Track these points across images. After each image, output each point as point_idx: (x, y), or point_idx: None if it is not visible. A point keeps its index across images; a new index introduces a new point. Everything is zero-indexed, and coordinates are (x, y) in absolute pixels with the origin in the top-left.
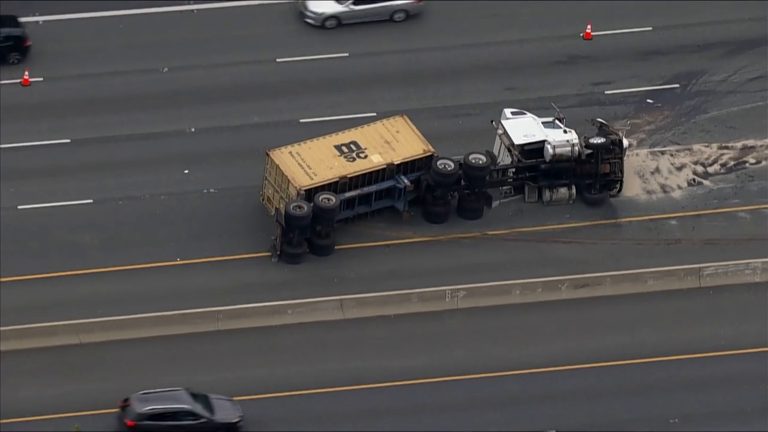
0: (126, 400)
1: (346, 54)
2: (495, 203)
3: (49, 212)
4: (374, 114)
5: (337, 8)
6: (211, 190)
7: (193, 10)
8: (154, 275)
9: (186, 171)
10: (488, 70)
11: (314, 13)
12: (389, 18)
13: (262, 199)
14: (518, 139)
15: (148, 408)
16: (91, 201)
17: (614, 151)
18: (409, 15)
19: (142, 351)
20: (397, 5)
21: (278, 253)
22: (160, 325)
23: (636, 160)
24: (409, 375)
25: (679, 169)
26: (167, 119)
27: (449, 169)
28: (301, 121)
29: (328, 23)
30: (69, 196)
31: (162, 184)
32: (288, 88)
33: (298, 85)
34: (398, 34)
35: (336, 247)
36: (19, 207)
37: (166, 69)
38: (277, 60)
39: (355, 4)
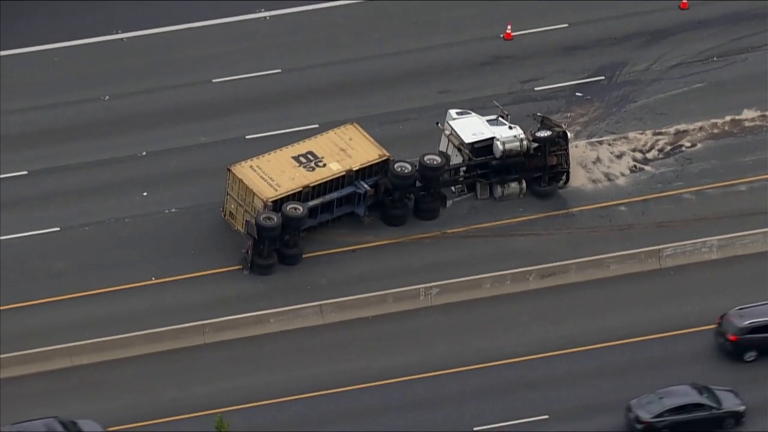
0: (722, 316)
1: (279, 70)
2: (449, 203)
3: (19, 243)
4: (317, 125)
5: None
6: (173, 210)
7: (122, 39)
8: (131, 296)
9: (145, 193)
10: (418, 75)
11: None
12: None
13: (224, 215)
14: (468, 138)
15: (747, 322)
16: (58, 229)
17: (560, 143)
18: None
19: (137, 368)
20: None
21: (249, 265)
22: (151, 342)
23: (576, 151)
24: (397, 373)
25: (619, 157)
26: (117, 145)
27: (407, 171)
28: (247, 137)
29: None
30: (35, 225)
31: (124, 207)
32: (228, 106)
33: (237, 103)
34: (326, 49)
35: (303, 256)
36: None
37: (107, 97)
38: (213, 80)
39: None
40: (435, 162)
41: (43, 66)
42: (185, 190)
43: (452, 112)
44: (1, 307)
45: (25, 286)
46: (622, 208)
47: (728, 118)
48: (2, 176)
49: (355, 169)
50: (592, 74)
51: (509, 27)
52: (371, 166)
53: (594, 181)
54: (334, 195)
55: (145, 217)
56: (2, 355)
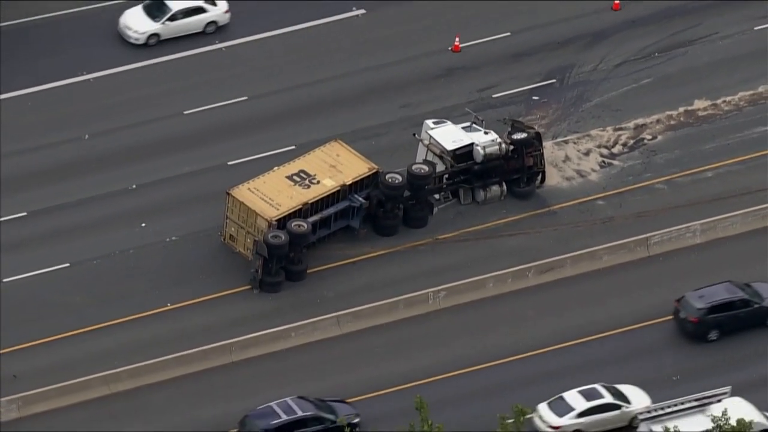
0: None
1: (245, 98)
2: (435, 209)
3: (33, 281)
4: (293, 147)
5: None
6: (173, 238)
7: (89, 80)
8: (151, 322)
9: (143, 224)
10: (379, 92)
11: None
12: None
13: (224, 239)
14: (449, 146)
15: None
16: (68, 265)
17: (534, 144)
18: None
19: (172, 391)
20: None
21: (259, 284)
22: (182, 365)
23: (545, 152)
24: (422, 375)
25: (587, 154)
26: (106, 181)
27: (398, 182)
28: (229, 163)
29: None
30: (46, 263)
31: (126, 239)
32: (204, 136)
33: (211, 132)
34: (281, 73)
35: (308, 271)
36: (5, 280)
37: (87, 136)
38: (184, 113)
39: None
40: (423, 171)
41: (19, 111)
42: (181, 218)
43: (429, 122)
44: (29, 344)
45: (48, 321)
46: (600, 202)
47: (681, 109)
48: (4, 219)
49: (348, 183)
50: (543, 78)
51: (457, 39)
52: (362, 179)
53: (568, 179)
54: (332, 210)
55: (148, 247)
56: (42, 389)
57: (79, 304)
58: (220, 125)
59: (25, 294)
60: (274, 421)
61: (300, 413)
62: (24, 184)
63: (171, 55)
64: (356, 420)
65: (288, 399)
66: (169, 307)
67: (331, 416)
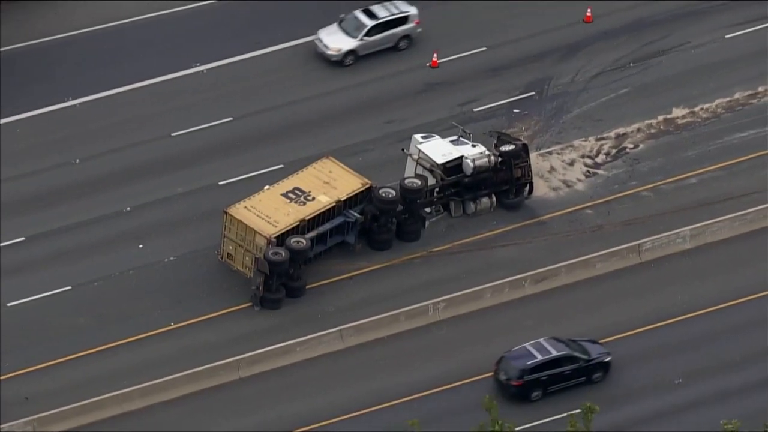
0: None
1: (230, 118)
2: (427, 223)
3: (36, 304)
4: (281, 165)
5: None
6: (171, 258)
7: (75, 105)
8: (156, 342)
9: (141, 246)
10: (362, 109)
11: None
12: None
13: (221, 257)
14: (439, 159)
15: None
16: (69, 287)
17: (522, 156)
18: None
19: (184, 408)
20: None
21: (260, 301)
22: (192, 382)
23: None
24: (429, 385)
25: (571, 164)
26: (100, 203)
27: (392, 196)
28: (220, 183)
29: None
30: (47, 287)
31: (125, 261)
32: (193, 157)
33: (200, 153)
34: (269, 94)
35: (306, 287)
36: (9, 304)
37: (78, 160)
38: (172, 135)
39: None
40: (416, 185)
41: (8, 138)
42: (177, 238)
43: (417, 136)
44: (37, 366)
45: (53, 344)
46: (588, 211)
47: (661, 117)
48: (3, 244)
49: (342, 199)
50: (522, 91)
51: (435, 55)
52: (356, 195)
53: (555, 189)
54: (328, 226)
55: (147, 268)
56: (57, 409)
57: (83, 326)
58: (207, 146)
59: (29, 317)
60: (530, 362)
61: (554, 353)
62: (19, 209)
63: (151, 80)
64: (608, 359)
65: (542, 340)
66: (173, 326)
67: (583, 356)
